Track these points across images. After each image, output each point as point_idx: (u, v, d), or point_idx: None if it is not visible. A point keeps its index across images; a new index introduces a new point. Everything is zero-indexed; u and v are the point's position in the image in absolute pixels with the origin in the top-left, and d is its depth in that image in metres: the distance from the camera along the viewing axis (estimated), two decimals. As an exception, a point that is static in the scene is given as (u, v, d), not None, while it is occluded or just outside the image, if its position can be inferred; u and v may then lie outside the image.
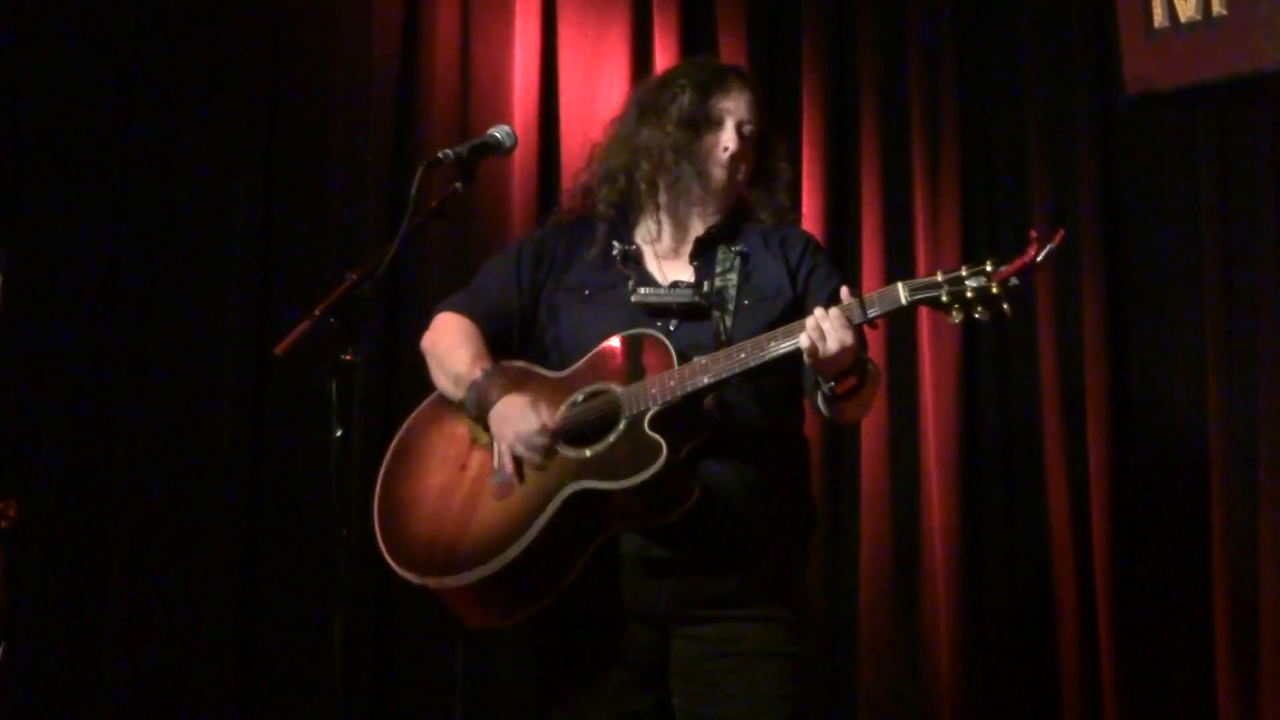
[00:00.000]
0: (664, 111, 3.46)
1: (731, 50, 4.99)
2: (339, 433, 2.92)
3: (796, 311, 3.30)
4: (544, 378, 3.37)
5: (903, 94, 4.90)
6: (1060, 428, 4.59)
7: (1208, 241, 4.50)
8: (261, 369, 4.96)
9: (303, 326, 2.98)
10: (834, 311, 3.06)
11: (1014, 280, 2.98)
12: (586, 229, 3.52)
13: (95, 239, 5.10)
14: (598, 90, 5.02)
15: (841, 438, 4.76)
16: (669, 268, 3.44)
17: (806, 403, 3.42)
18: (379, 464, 3.35)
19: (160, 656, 4.88)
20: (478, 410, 3.32)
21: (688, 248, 3.45)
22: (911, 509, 4.70)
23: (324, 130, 5.16)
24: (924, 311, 4.59)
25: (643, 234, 3.50)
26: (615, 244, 3.46)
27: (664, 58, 4.99)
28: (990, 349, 4.76)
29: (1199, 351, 4.50)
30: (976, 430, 4.70)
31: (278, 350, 2.98)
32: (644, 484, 3.08)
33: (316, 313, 2.98)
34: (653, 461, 3.08)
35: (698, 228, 3.46)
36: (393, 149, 5.08)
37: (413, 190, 3.15)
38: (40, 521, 4.77)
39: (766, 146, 3.53)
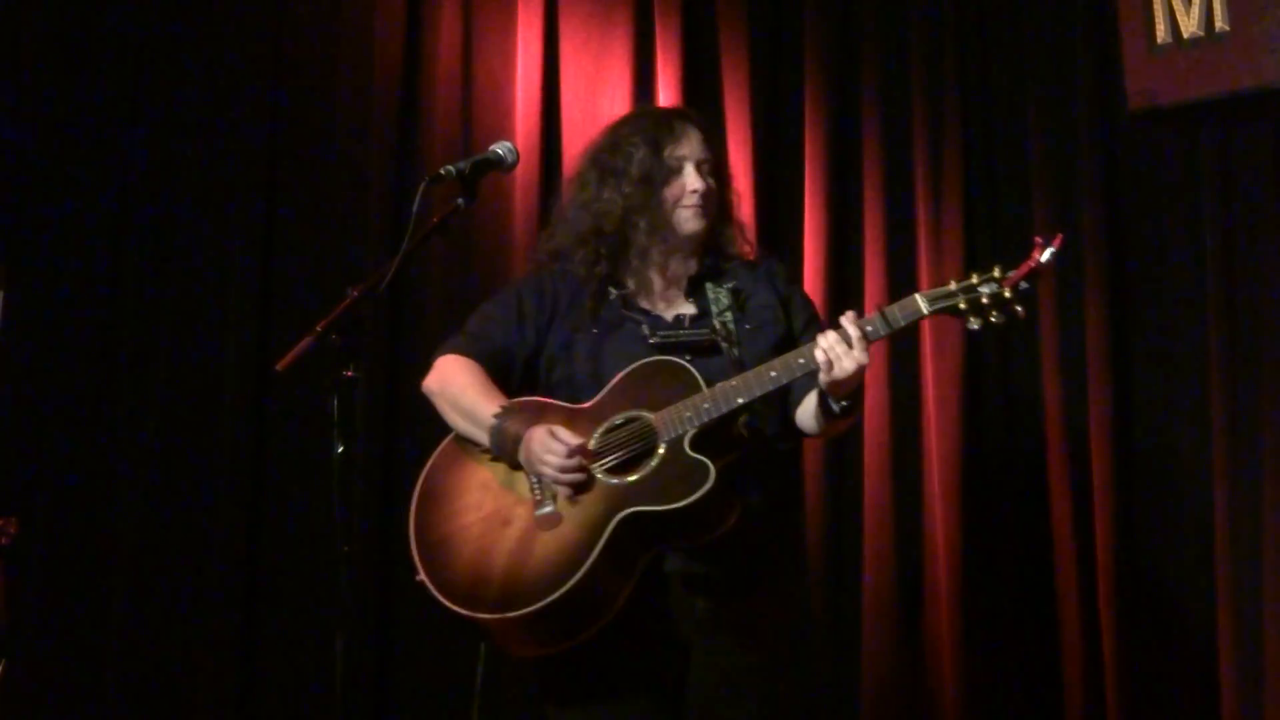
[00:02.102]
0: (621, 173, 3.53)
1: (733, 62, 5.00)
2: (340, 448, 2.91)
3: (791, 336, 3.46)
4: (565, 409, 3.41)
5: (905, 106, 4.90)
6: (1063, 441, 4.58)
7: (1211, 257, 4.50)
8: (263, 385, 4.95)
9: (304, 343, 2.98)
10: (852, 332, 3.15)
11: (1024, 284, 3.10)
12: (589, 269, 3.55)
13: (96, 254, 5.09)
14: (600, 106, 5.02)
15: (844, 453, 4.76)
16: (666, 305, 3.53)
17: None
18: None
19: (161, 673, 4.86)
20: (501, 450, 3.37)
21: (679, 287, 3.54)
22: (914, 524, 4.69)
23: (326, 145, 5.16)
24: (926, 327, 4.62)
25: (632, 280, 3.56)
26: (611, 290, 3.52)
27: (666, 73, 4.99)
28: (993, 363, 4.76)
29: (1202, 364, 4.50)
30: (980, 445, 4.70)
31: (279, 366, 2.99)
32: (696, 503, 3.16)
33: (318, 329, 2.99)
34: (704, 482, 3.17)
35: (689, 267, 3.54)
36: (394, 164, 5.07)
37: (415, 206, 3.15)
38: (41, 539, 4.78)
39: (720, 177, 3.61)
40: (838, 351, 3.14)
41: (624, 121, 3.66)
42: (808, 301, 3.62)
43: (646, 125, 3.59)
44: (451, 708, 4.51)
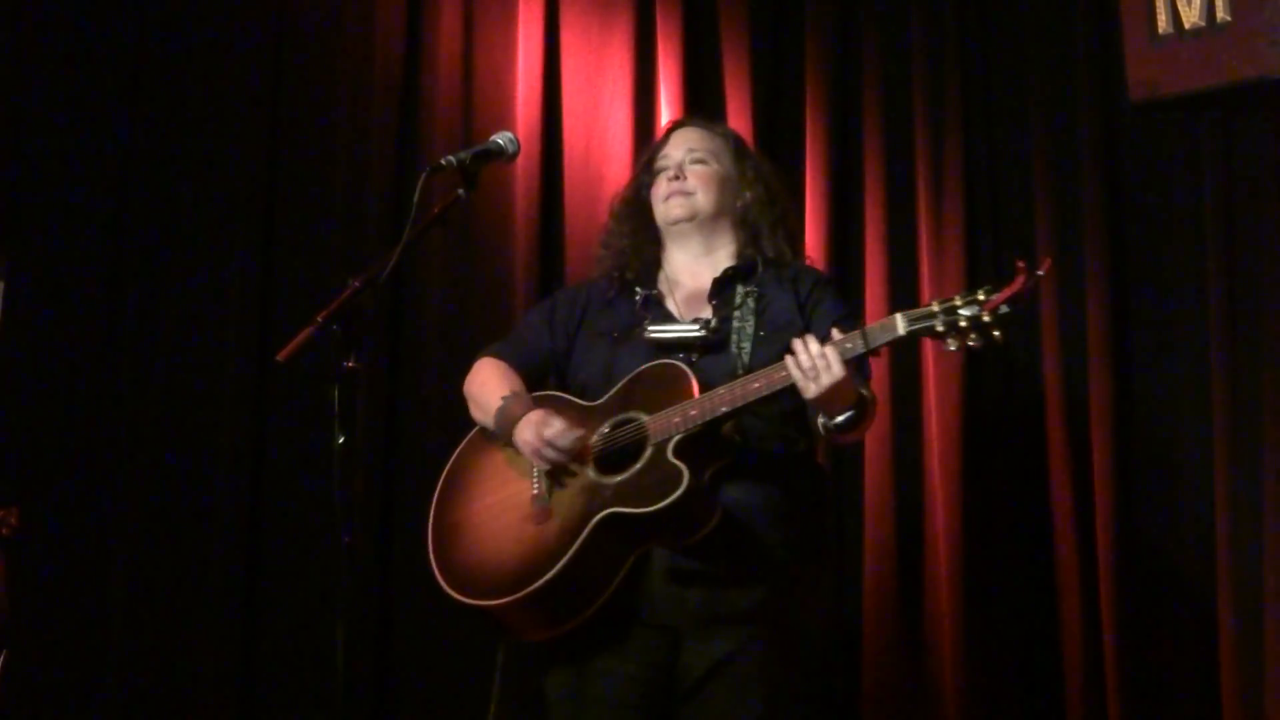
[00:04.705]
0: (631, 201, 3.82)
1: (734, 52, 5.00)
2: (341, 439, 2.92)
3: None
4: (577, 405, 3.55)
5: (906, 101, 4.89)
6: (1064, 433, 4.58)
7: (1212, 247, 4.50)
8: (264, 376, 4.95)
9: (305, 333, 2.99)
10: (827, 349, 3.21)
11: (1005, 308, 3.11)
12: (616, 280, 3.74)
13: (96, 246, 5.10)
14: (600, 97, 5.03)
15: (845, 447, 4.75)
16: (690, 308, 3.62)
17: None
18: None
19: (162, 664, 4.87)
20: (503, 430, 3.51)
21: (705, 290, 3.63)
22: (915, 513, 4.69)
23: (327, 137, 5.16)
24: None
25: (662, 281, 3.71)
26: (639, 290, 3.66)
27: (667, 66, 4.99)
28: (994, 355, 4.74)
29: (1203, 357, 4.49)
30: (980, 437, 4.69)
31: (280, 357, 3.00)
32: (667, 509, 3.25)
33: (319, 320, 2.99)
34: (675, 488, 3.24)
35: (716, 270, 3.65)
36: (395, 156, 5.08)
37: (415, 197, 3.16)
38: (42, 529, 4.78)
39: (748, 175, 3.75)
40: (816, 368, 3.19)
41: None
42: (837, 305, 3.66)
43: (649, 150, 3.86)
44: (454, 701, 4.52)
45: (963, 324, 3.11)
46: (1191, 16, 4.51)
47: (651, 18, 5.07)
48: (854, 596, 4.69)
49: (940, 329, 3.13)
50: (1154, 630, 4.48)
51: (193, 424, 4.99)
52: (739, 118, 4.93)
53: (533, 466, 3.48)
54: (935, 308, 3.15)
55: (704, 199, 3.67)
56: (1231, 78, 4.48)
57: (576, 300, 3.75)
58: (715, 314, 3.55)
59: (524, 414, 3.48)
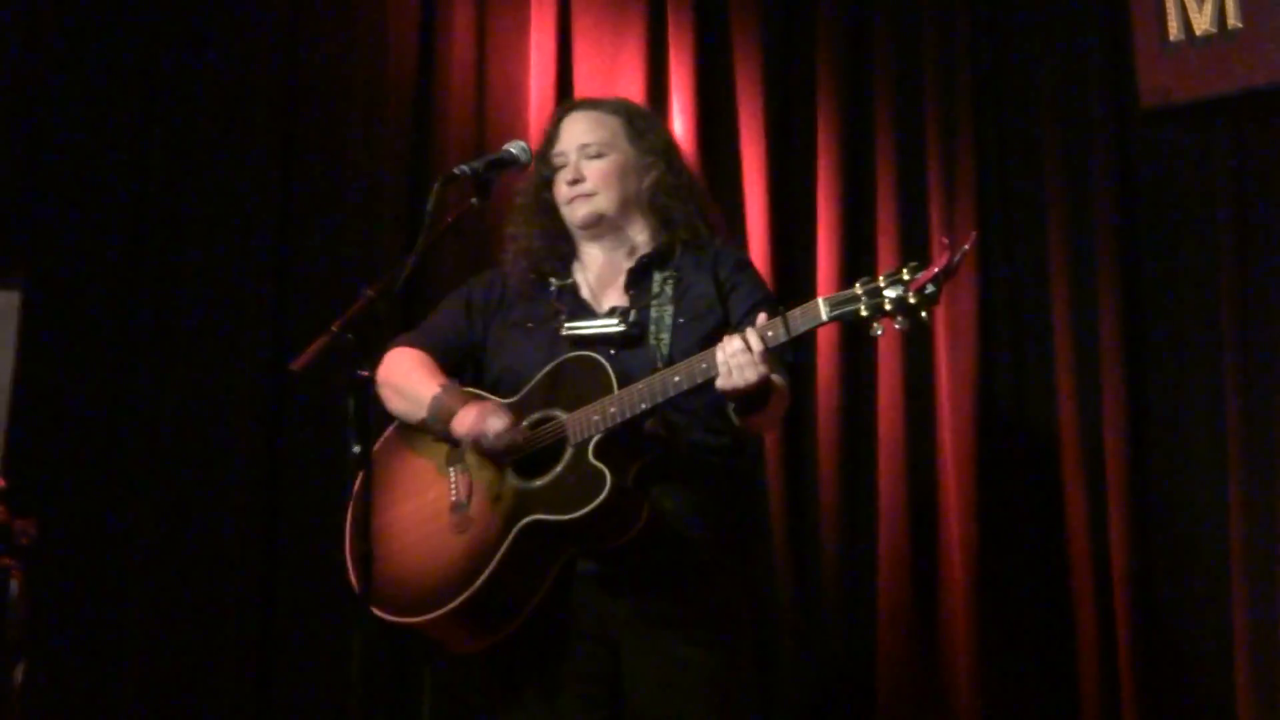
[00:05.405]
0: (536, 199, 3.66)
1: (746, 60, 5.00)
2: (356, 448, 2.92)
3: (727, 326, 3.42)
4: (496, 404, 3.43)
5: (919, 106, 4.89)
6: (1077, 439, 4.57)
7: (1225, 254, 4.50)
8: (279, 384, 4.96)
9: (320, 342, 2.99)
10: (737, 343, 3.11)
11: (930, 287, 3.01)
12: (530, 272, 3.63)
13: (113, 257, 5.10)
14: (613, 105, 5.03)
15: (858, 453, 4.76)
16: (605, 297, 3.54)
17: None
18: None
19: (179, 672, 4.87)
20: (440, 421, 3.40)
21: (620, 277, 3.54)
22: (929, 523, 4.69)
23: (340, 145, 5.18)
24: (941, 328, 4.62)
25: (577, 269, 3.61)
26: (553, 280, 3.57)
27: (679, 74, 5.00)
28: (1007, 362, 4.75)
29: (1216, 362, 4.48)
30: (994, 442, 4.69)
31: (295, 366, 3.00)
32: (591, 513, 3.17)
33: (334, 329, 3.00)
34: (598, 492, 3.17)
35: (631, 255, 3.56)
36: (409, 164, 5.09)
37: (429, 206, 3.17)
38: (60, 539, 4.78)
39: (647, 155, 3.61)
40: (741, 360, 3.11)
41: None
42: (756, 287, 3.56)
43: (543, 139, 3.69)
44: (469, 706, 4.52)
45: (888, 306, 3.02)
46: (1203, 23, 4.51)
47: (664, 26, 5.08)
48: (869, 602, 4.69)
49: (865, 313, 3.04)
50: (1168, 636, 4.47)
51: (209, 434, 5.00)
52: (752, 125, 4.94)
53: (450, 469, 3.40)
54: (858, 289, 3.06)
55: (606, 198, 3.56)
56: (1243, 84, 4.47)
57: (493, 288, 3.65)
58: (633, 304, 3.46)
59: (462, 405, 3.38)
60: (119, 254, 5.12)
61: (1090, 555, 4.51)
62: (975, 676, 4.55)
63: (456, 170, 3.28)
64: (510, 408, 3.39)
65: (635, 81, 5.04)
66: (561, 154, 3.60)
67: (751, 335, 3.12)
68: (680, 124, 4.96)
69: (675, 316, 3.42)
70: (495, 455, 3.33)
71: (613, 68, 5.09)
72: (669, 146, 3.69)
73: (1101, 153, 4.68)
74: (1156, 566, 4.50)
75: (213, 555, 4.93)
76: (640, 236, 3.60)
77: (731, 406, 3.25)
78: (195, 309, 5.09)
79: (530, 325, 3.52)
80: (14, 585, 4.40)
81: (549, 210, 3.62)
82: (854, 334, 4.79)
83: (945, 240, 3.09)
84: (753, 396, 3.19)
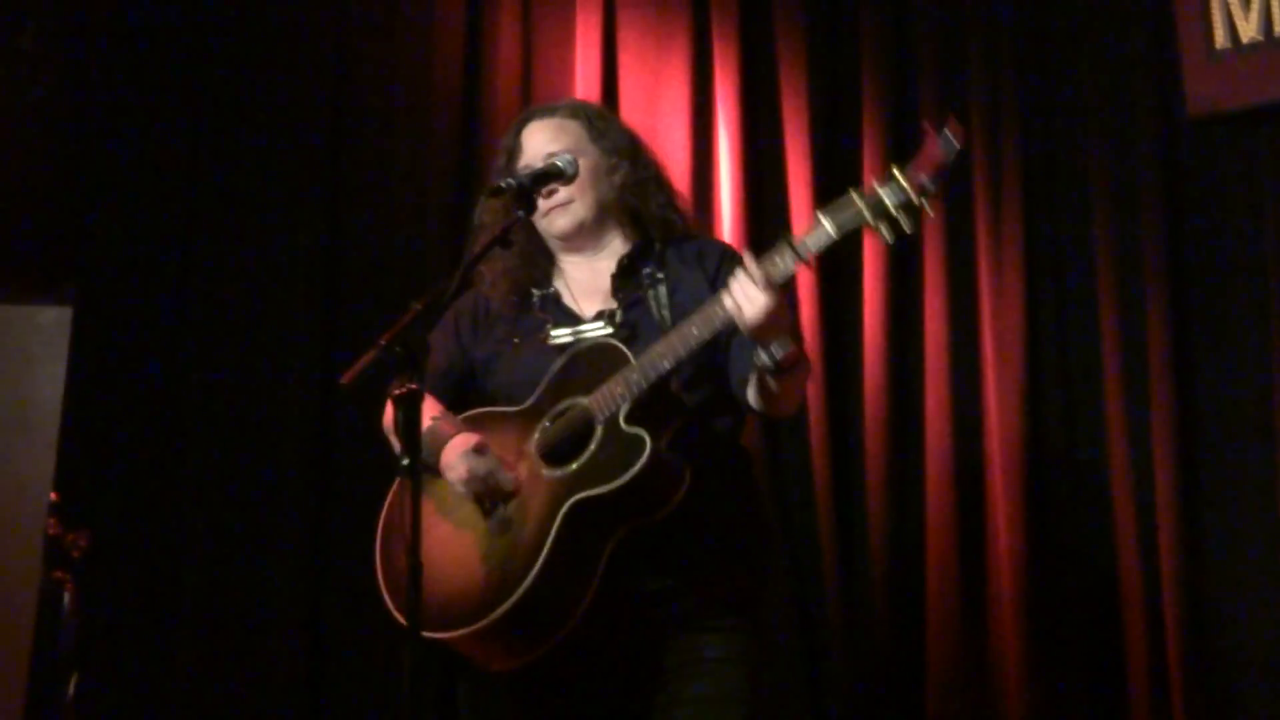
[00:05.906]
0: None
1: (791, 73, 5.01)
2: (405, 461, 2.92)
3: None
4: (505, 414, 3.38)
5: (964, 113, 4.88)
6: (1126, 450, 4.57)
7: (1272, 260, 4.48)
8: (328, 398, 4.98)
9: (369, 356, 2.98)
10: (742, 276, 3.05)
11: (929, 184, 3.00)
12: (512, 292, 3.54)
13: (161, 269, 5.13)
14: (658, 117, 5.04)
15: (906, 461, 4.76)
16: (588, 304, 3.46)
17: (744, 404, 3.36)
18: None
19: (231, 685, 4.89)
20: (434, 455, 3.31)
21: (605, 281, 3.46)
22: (977, 531, 4.68)
23: (388, 159, 5.20)
24: (988, 340, 4.61)
25: (557, 278, 3.53)
26: (534, 291, 3.49)
27: (724, 85, 5.01)
28: (1055, 372, 4.75)
29: (1266, 370, 4.47)
30: (1042, 452, 4.68)
31: (344, 380, 2.99)
32: (636, 477, 3.09)
33: (382, 342, 2.99)
34: (640, 454, 3.09)
35: (612, 259, 3.48)
36: (455, 177, 5.10)
37: (475, 219, 3.16)
38: (112, 552, 4.81)
39: (609, 156, 3.52)
40: (748, 293, 3.04)
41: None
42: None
43: (507, 138, 3.58)
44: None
45: (893, 210, 3.00)
46: (1249, 30, 4.49)
47: (708, 38, 5.09)
48: (917, 613, 4.68)
49: (870, 219, 3.01)
50: (1219, 649, 4.45)
51: (259, 447, 5.03)
52: (797, 138, 4.95)
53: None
54: (857, 201, 3.01)
55: (583, 204, 3.45)
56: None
57: (478, 309, 3.55)
58: (622, 304, 3.39)
59: (451, 437, 3.30)
60: (169, 269, 5.15)
61: (1140, 566, 4.50)
62: (1024, 687, 4.54)
63: (501, 183, 3.25)
64: (525, 413, 3.33)
65: (680, 93, 5.06)
66: (528, 168, 3.46)
67: (752, 265, 3.06)
68: (725, 135, 4.97)
69: (670, 317, 3.31)
70: (488, 495, 3.27)
71: (657, 81, 5.10)
72: (631, 141, 3.60)
73: (1148, 161, 4.66)
74: (1207, 579, 4.48)
75: (263, 567, 4.95)
76: (617, 238, 3.52)
77: (763, 359, 3.14)
78: (245, 322, 5.11)
79: (516, 340, 3.45)
80: (66, 598, 4.43)
81: (522, 226, 3.45)
82: (901, 342, 4.80)
83: (927, 125, 3.04)
84: (783, 335, 3.10)
